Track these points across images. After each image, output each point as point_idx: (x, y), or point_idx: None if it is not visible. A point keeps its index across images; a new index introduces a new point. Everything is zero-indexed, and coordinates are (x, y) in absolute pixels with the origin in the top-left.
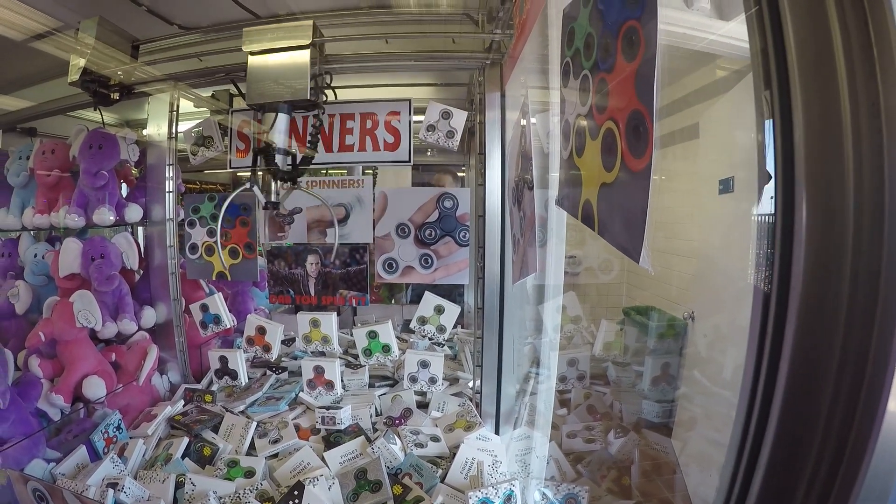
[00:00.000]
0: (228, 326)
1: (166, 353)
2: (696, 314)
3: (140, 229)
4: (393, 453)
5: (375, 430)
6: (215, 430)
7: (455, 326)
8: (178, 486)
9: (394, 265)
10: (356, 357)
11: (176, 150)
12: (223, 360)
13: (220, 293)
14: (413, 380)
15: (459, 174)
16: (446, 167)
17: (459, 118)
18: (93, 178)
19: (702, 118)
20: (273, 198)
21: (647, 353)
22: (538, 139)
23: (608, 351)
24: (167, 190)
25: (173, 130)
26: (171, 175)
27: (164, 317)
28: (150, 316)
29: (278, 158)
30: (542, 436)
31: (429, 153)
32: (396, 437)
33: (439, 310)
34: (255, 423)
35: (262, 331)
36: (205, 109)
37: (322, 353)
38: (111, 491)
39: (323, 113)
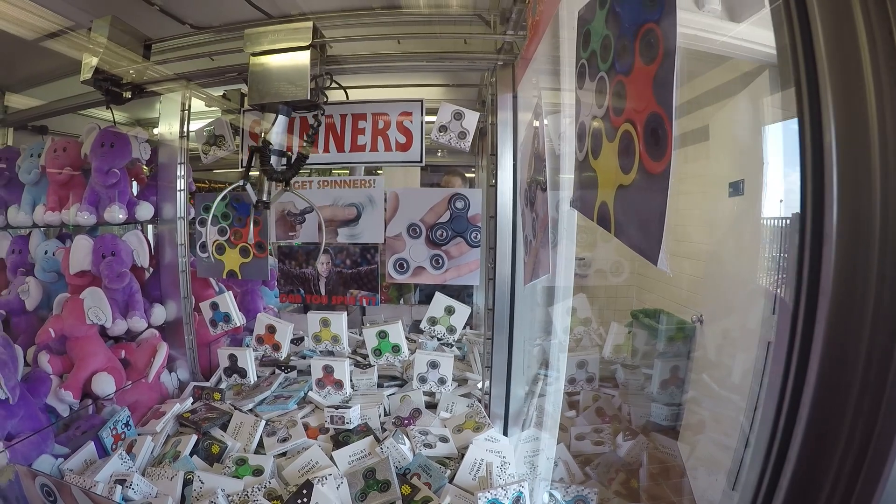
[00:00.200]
0: (238, 325)
1: (175, 350)
2: (705, 317)
3: (150, 227)
4: (402, 453)
5: (384, 430)
6: (224, 427)
7: (464, 327)
8: (187, 483)
9: (405, 265)
10: (365, 357)
11: (187, 149)
12: (232, 358)
13: (230, 292)
14: (422, 380)
15: (468, 175)
16: (454, 168)
17: (471, 119)
18: (104, 175)
19: (712, 120)
20: (265, 197)
21: (654, 356)
22: (550, 141)
23: (618, 353)
24: (178, 188)
25: (185, 129)
26: (182, 174)
27: (174, 314)
28: (159, 313)
29: (273, 159)
30: (551, 437)
31: (439, 153)
32: (405, 438)
33: (450, 310)
34: (263, 422)
35: (271, 329)
36: (216, 109)
37: (330, 353)
38: (119, 487)
39: (323, 114)
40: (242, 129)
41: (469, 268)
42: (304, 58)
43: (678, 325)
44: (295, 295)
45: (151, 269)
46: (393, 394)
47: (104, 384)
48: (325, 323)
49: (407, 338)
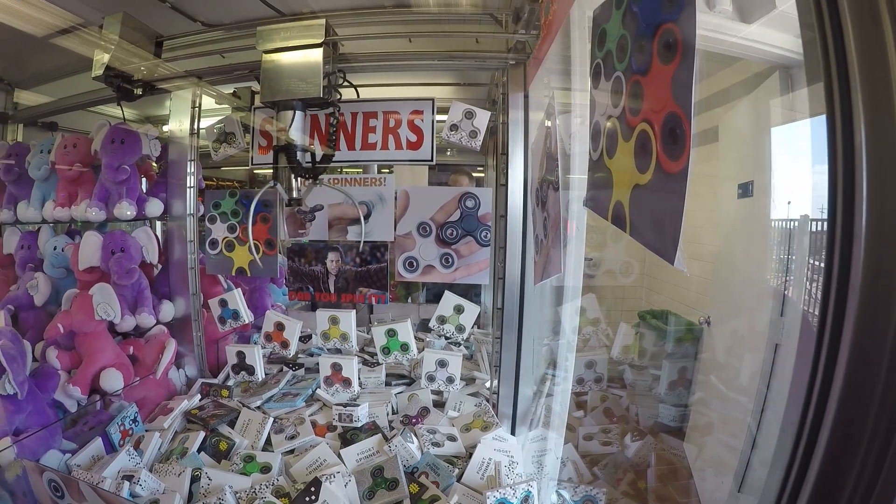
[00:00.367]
0: (247, 322)
1: (183, 347)
2: (713, 319)
3: (158, 224)
4: (410, 452)
5: (392, 429)
6: (231, 424)
7: (472, 327)
8: (194, 479)
9: (414, 264)
10: (372, 355)
11: (197, 146)
12: (240, 355)
13: (239, 289)
14: (431, 379)
15: (475, 174)
16: (462, 166)
17: (482, 118)
18: (114, 172)
19: (721, 121)
20: (294, 194)
21: (661, 357)
22: (562, 141)
23: (626, 354)
24: (188, 185)
25: (195, 127)
26: (192, 171)
27: (183, 311)
28: (168, 310)
29: (299, 156)
30: (559, 437)
31: (448, 152)
32: (413, 436)
33: (459, 309)
34: (271, 419)
35: (280, 327)
36: (225, 106)
37: (338, 351)
38: (127, 483)
39: (339, 111)
40: (252, 128)
41: (479, 267)
42: (316, 55)
43: (685, 326)
44: (304, 292)
45: (160, 266)
46: (401, 392)
47: (112, 380)
48: (334, 321)
49: (415, 336)
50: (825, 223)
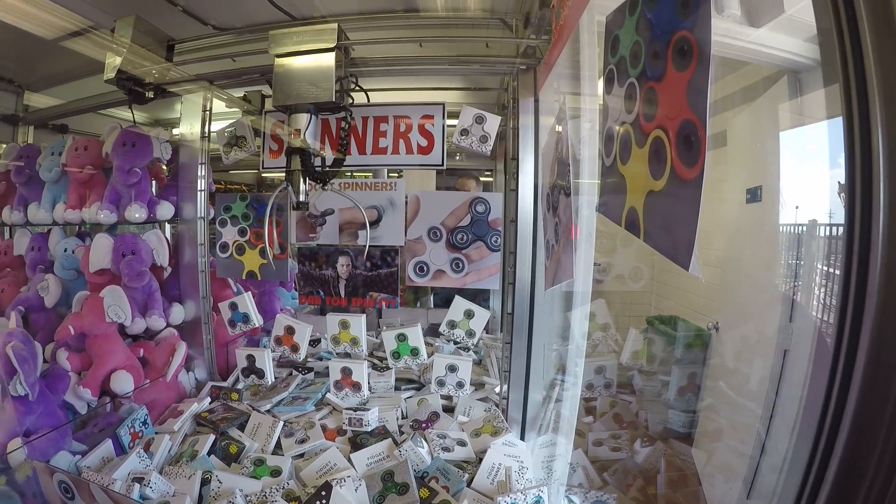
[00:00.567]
0: (257, 326)
1: (193, 350)
2: (721, 325)
3: (167, 227)
4: (420, 456)
5: (402, 433)
6: (241, 428)
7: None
8: (204, 482)
9: (425, 268)
10: (381, 359)
11: (208, 150)
12: (250, 358)
13: (249, 293)
14: (441, 384)
15: (482, 178)
16: (469, 171)
17: (493, 123)
18: (126, 174)
19: (729, 126)
20: (301, 198)
21: (670, 363)
22: (572, 145)
23: (636, 359)
24: (199, 189)
25: (206, 130)
26: (202, 174)
27: (193, 314)
28: (178, 313)
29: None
30: (568, 443)
31: (457, 157)
32: (423, 441)
33: (469, 314)
34: (281, 423)
35: (290, 331)
36: (235, 110)
37: (347, 355)
38: (137, 485)
39: (351, 116)
40: (263, 132)
41: (489, 272)
42: (328, 59)
43: (694, 331)
44: (314, 296)
45: (169, 269)
46: (410, 397)
47: (123, 382)
48: (345, 325)
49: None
50: (835, 228)
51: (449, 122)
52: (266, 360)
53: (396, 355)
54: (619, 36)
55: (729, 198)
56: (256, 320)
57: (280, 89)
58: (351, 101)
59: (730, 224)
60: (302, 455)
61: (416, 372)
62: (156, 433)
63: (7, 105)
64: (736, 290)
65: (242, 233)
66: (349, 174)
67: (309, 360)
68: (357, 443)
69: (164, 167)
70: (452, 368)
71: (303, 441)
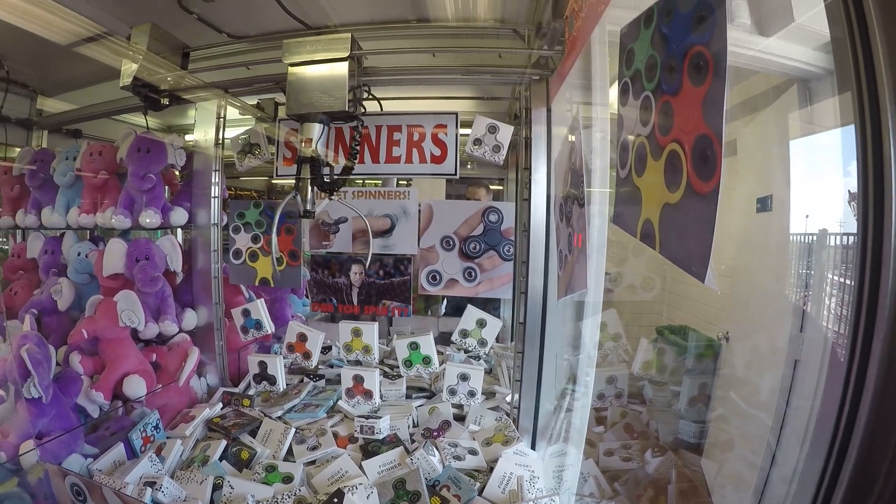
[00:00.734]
0: (269, 332)
1: (205, 355)
2: (731, 334)
3: (179, 232)
4: (432, 465)
5: (412, 441)
6: (253, 434)
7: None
8: (216, 488)
9: (437, 277)
10: (392, 367)
11: (222, 156)
12: (262, 365)
13: (262, 299)
14: (452, 392)
15: (492, 187)
16: (479, 179)
17: (506, 132)
18: (140, 180)
19: (739, 135)
20: (308, 206)
21: (680, 373)
22: (585, 156)
23: (646, 369)
24: (213, 195)
25: (220, 137)
26: (216, 181)
27: (205, 320)
28: (190, 318)
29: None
30: (579, 452)
31: (468, 166)
32: (435, 449)
33: (481, 323)
34: (293, 429)
35: (303, 338)
36: (248, 117)
37: (358, 363)
38: (149, 489)
39: (363, 125)
40: (277, 140)
41: (501, 281)
42: (342, 69)
43: (704, 342)
44: (327, 304)
45: (182, 275)
46: (421, 405)
47: (135, 386)
48: (357, 333)
49: None
50: (845, 237)
51: (461, 131)
52: (278, 366)
53: (409, 363)
54: (634, 49)
55: (739, 207)
56: (269, 327)
57: (293, 98)
58: (363, 110)
59: (740, 234)
60: (313, 462)
61: (427, 380)
62: (167, 438)
63: (21, 109)
64: (746, 300)
65: (255, 240)
66: (360, 182)
67: (320, 367)
68: (368, 450)
69: (178, 173)
70: (464, 377)
71: (314, 448)
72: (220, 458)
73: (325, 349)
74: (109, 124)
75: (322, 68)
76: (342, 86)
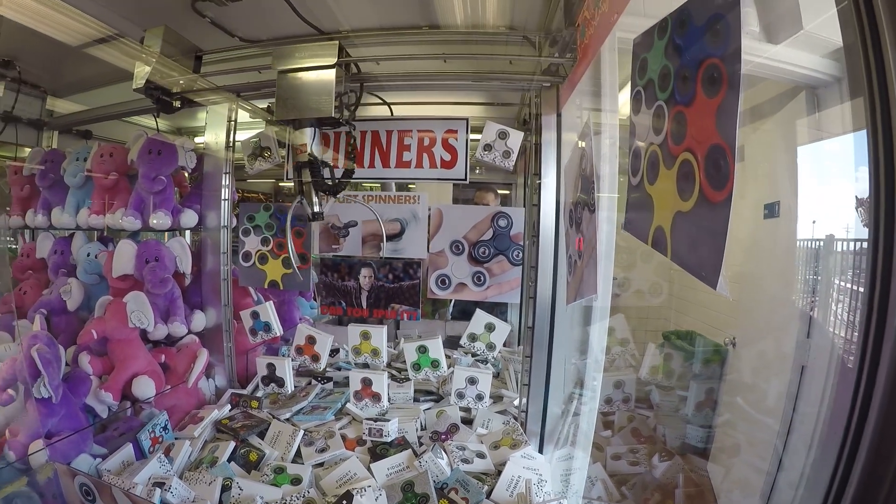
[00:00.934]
0: (277, 335)
1: (214, 357)
2: (738, 340)
3: (188, 234)
4: (440, 468)
5: (420, 444)
6: (261, 435)
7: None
8: (224, 489)
9: (447, 281)
10: (400, 370)
11: (233, 159)
12: (271, 367)
13: (271, 302)
14: (460, 396)
15: (500, 191)
16: (487, 184)
17: (516, 138)
18: (151, 182)
19: (747, 141)
20: (316, 209)
21: (687, 378)
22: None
23: (653, 374)
24: (223, 198)
25: (230, 140)
26: (227, 183)
27: (214, 321)
28: (199, 320)
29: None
30: (586, 456)
31: (477, 170)
32: (443, 452)
33: (490, 327)
34: (301, 431)
35: (312, 340)
36: (258, 120)
37: (366, 366)
38: (158, 490)
39: (354, 129)
40: (288, 143)
41: (510, 285)
42: (329, 75)
43: (711, 347)
44: (336, 307)
45: (191, 277)
46: (429, 408)
47: (144, 387)
48: (366, 336)
49: None
50: (853, 243)
51: (471, 136)
52: (286, 368)
53: (417, 367)
54: (648, 59)
55: (747, 213)
56: (277, 329)
57: (283, 104)
58: (350, 114)
59: (748, 239)
60: (322, 464)
61: (435, 384)
62: (176, 439)
63: (32, 110)
64: (753, 305)
65: (265, 242)
66: (369, 187)
67: (328, 369)
68: (377, 453)
69: (188, 175)
70: (472, 381)
71: (323, 450)
72: (229, 460)
73: (333, 352)
74: (119, 126)
75: (310, 75)
76: (329, 92)
